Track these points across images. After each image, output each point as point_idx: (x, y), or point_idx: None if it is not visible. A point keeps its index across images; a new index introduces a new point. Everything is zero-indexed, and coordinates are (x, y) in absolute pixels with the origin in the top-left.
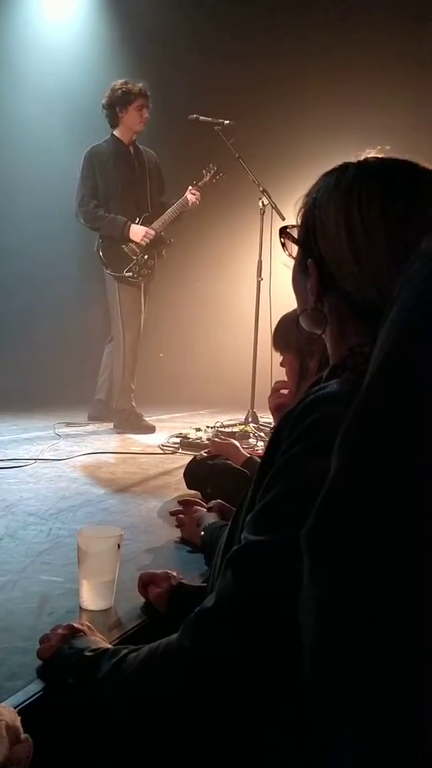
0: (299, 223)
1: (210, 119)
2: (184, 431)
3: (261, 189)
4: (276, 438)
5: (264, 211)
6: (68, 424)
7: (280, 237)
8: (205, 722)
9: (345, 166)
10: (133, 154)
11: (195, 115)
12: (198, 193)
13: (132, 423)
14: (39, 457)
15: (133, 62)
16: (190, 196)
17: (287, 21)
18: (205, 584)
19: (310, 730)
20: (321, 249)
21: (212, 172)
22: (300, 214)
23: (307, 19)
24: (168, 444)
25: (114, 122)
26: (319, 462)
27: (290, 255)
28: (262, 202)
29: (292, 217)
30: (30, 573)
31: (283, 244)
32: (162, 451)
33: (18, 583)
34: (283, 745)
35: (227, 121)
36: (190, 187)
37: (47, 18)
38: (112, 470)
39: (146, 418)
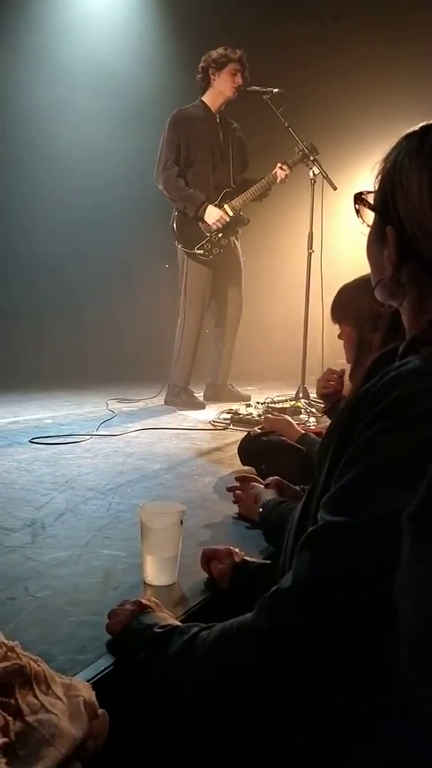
0: (376, 188)
1: (259, 88)
2: (234, 407)
3: (312, 158)
4: (352, 415)
5: (315, 181)
6: (120, 401)
7: (355, 203)
8: (275, 703)
9: (427, 127)
10: (219, 123)
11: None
12: (288, 171)
13: (183, 399)
14: (94, 433)
15: (173, 35)
16: (280, 172)
17: None
18: (267, 561)
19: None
20: (401, 214)
21: (297, 156)
22: (377, 178)
23: None
24: (219, 420)
25: (205, 86)
26: (404, 439)
27: (365, 223)
28: (313, 171)
29: (343, 187)
30: (92, 547)
31: (358, 211)
32: (213, 427)
33: (82, 558)
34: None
35: (276, 90)
36: (279, 164)
37: None
38: (165, 446)
39: (196, 395)
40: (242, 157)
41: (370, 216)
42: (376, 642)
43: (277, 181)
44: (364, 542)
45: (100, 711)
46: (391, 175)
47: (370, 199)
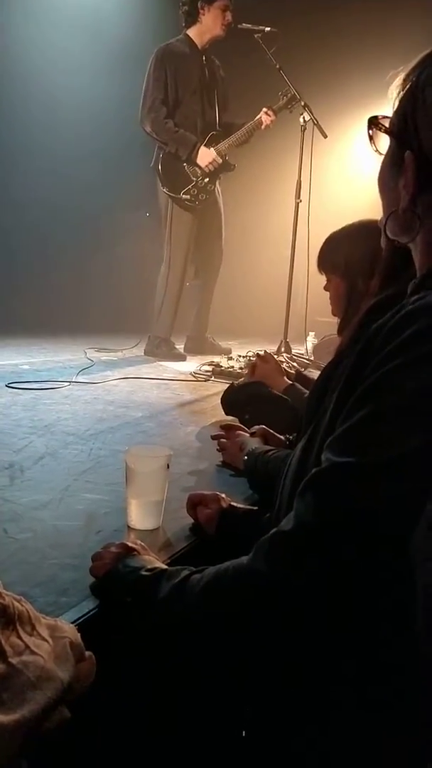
0: (394, 111)
1: (250, 26)
2: (216, 360)
3: (303, 104)
4: (362, 354)
5: (305, 128)
6: (99, 350)
7: (369, 128)
8: (270, 647)
9: None
10: (205, 61)
11: (235, 23)
12: (274, 117)
13: (163, 350)
14: (73, 380)
15: None
16: (265, 117)
17: None
18: (253, 507)
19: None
20: (422, 139)
21: (288, 96)
22: (396, 99)
23: None
24: (200, 372)
25: (191, 20)
26: (422, 376)
27: (378, 151)
28: (303, 117)
29: (333, 134)
30: (74, 491)
31: (371, 137)
32: (194, 379)
33: (63, 501)
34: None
35: (268, 28)
36: (264, 109)
37: None
38: (146, 395)
39: (179, 347)
40: (225, 98)
41: (384, 143)
42: (379, 586)
43: (262, 127)
44: (374, 484)
45: (87, 653)
46: (413, 93)
47: (387, 123)
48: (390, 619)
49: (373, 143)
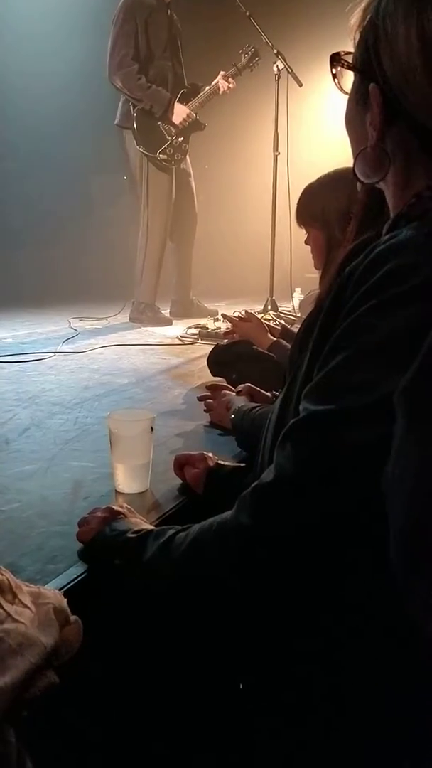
0: (355, 45)
1: None
2: (202, 322)
3: (275, 52)
4: (335, 299)
5: (279, 77)
6: (83, 319)
7: (332, 66)
8: (258, 602)
9: None
10: (169, 15)
11: None
12: (232, 81)
13: (148, 316)
14: (58, 350)
15: None
16: (222, 83)
17: None
18: (241, 464)
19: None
20: (386, 69)
21: (250, 54)
22: (357, 32)
23: None
24: (187, 335)
25: None
26: (396, 317)
27: (342, 89)
28: (277, 66)
29: (309, 83)
30: (60, 460)
31: (334, 75)
32: (181, 343)
33: (49, 470)
34: (336, 630)
35: None
36: (222, 73)
37: None
38: (132, 361)
39: (164, 311)
40: (185, 53)
41: (349, 80)
42: (363, 534)
43: (220, 92)
44: (353, 430)
45: (73, 618)
46: (373, 24)
47: (349, 59)
48: (371, 574)
49: (338, 81)
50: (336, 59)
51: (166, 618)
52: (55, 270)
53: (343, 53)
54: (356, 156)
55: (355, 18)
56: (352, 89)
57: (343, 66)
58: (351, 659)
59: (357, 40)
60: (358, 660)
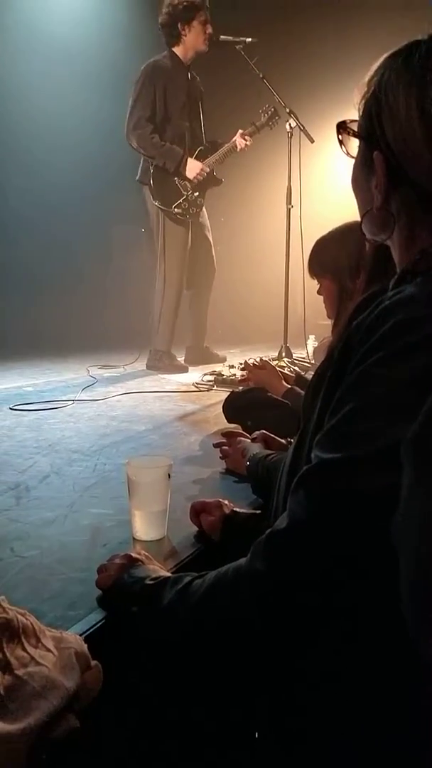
0: (360, 114)
1: (231, 38)
2: (217, 369)
3: (288, 111)
4: (344, 351)
5: (292, 134)
6: (101, 366)
7: (338, 133)
8: (273, 647)
9: (414, 44)
10: (189, 77)
11: (216, 35)
12: (249, 139)
13: (165, 363)
14: (76, 398)
15: None
16: (240, 141)
17: None
18: (256, 511)
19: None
20: (388, 138)
21: (269, 114)
22: (361, 103)
23: None
24: (202, 382)
25: (173, 41)
26: (402, 368)
27: (349, 154)
28: (290, 124)
29: (320, 139)
30: (79, 507)
31: (341, 141)
32: (197, 389)
33: (69, 517)
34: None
35: (249, 39)
36: (240, 131)
37: None
38: (149, 408)
39: (179, 358)
40: (207, 113)
41: (354, 145)
42: (375, 580)
43: (237, 149)
44: (363, 478)
45: (93, 662)
46: (376, 96)
47: (355, 127)
48: (385, 613)
49: (344, 147)
50: (342, 127)
51: (182, 664)
52: (75, 318)
53: (348, 121)
54: (363, 216)
55: (359, 90)
56: (358, 154)
57: (348, 134)
58: (357, 690)
59: (362, 110)
60: (364, 691)
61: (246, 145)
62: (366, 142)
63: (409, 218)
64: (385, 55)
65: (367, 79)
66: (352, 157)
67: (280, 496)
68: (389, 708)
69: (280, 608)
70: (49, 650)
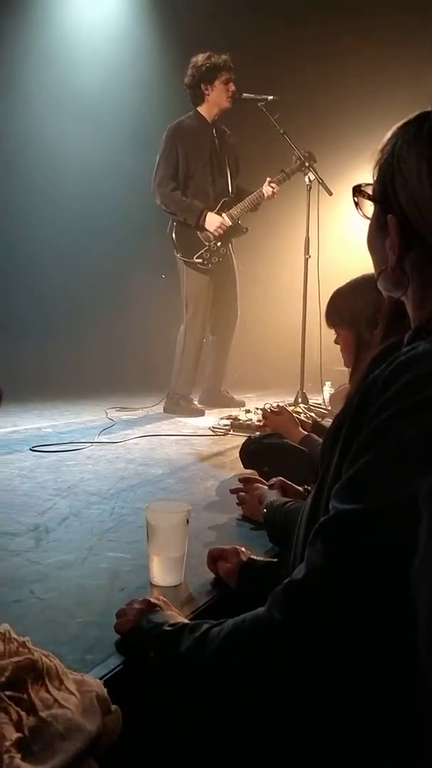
0: (375, 179)
1: (253, 95)
2: (234, 413)
3: (307, 165)
4: (361, 403)
5: (310, 187)
6: (120, 409)
7: (354, 196)
8: (290, 694)
9: (424, 115)
10: (215, 133)
11: (238, 93)
12: (276, 187)
13: (182, 407)
14: (95, 440)
15: (167, 48)
16: (267, 188)
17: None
18: (275, 560)
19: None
20: (402, 203)
21: (295, 165)
22: (375, 169)
23: None
24: (219, 426)
25: (198, 100)
26: (416, 423)
27: (364, 216)
28: (309, 178)
29: (338, 192)
30: (97, 550)
31: (357, 204)
32: (213, 433)
33: (87, 560)
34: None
35: (271, 97)
36: (268, 179)
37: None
38: (166, 451)
39: (196, 402)
40: (236, 164)
41: (369, 208)
42: (392, 631)
43: (265, 197)
44: (379, 529)
45: (113, 707)
46: (389, 163)
47: (369, 190)
48: (399, 667)
49: (360, 209)
50: (357, 191)
51: (199, 711)
52: (94, 360)
53: (363, 185)
54: (378, 274)
55: (373, 157)
56: (373, 216)
57: (363, 197)
58: (372, 744)
59: (376, 176)
60: (379, 746)
61: (274, 192)
62: (380, 206)
63: (422, 277)
64: (397, 125)
65: (380, 147)
66: (367, 218)
67: (299, 545)
68: (404, 761)
69: (297, 659)
70: (72, 693)
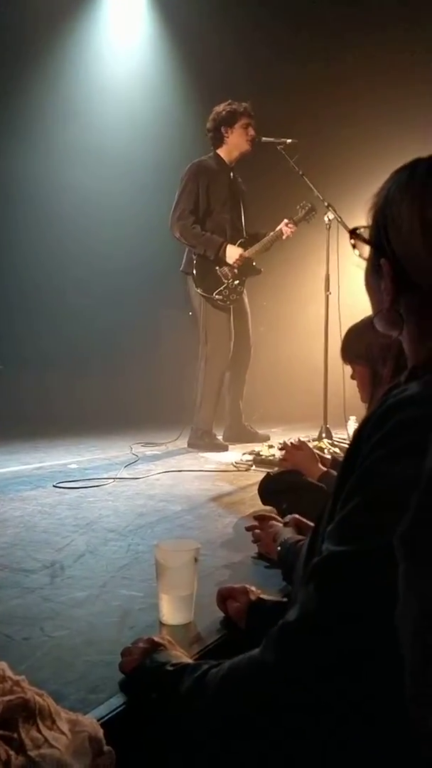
0: (370, 223)
1: (273, 139)
2: (257, 449)
3: (326, 204)
4: (356, 444)
5: (330, 226)
6: (144, 444)
7: (351, 239)
8: (286, 736)
9: (416, 162)
10: (232, 176)
11: (258, 137)
12: (294, 227)
13: (205, 442)
14: (117, 476)
15: (192, 88)
16: (285, 229)
17: (346, 41)
18: (285, 599)
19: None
20: (394, 247)
21: (306, 209)
22: (370, 213)
23: (367, 37)
24: (241, 462)
25: (218, 143)
26: (400, 467)
27: (362, 257)
28: (328, 217)
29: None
30: (111, 588)
31: (354, 246)
32: (236, 469)
33: (99, 598)
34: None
35: (290, 140)
36: (285, 220)
37: (105, 51)
38: (186, 488)
39: (219, 437)
40: (249, 209)
41: (366, 249)
42: (384, 672)
43: (283, 237)
44: (368, 571)
45: (106, 748)
46: (383, 209)
47: (365, 234)
48: (396, 708)
49: (357, 251)
50: (354, 234)
51: (198, 751)
52: (122, 397)
53: (360, 228)
54: (375, 315)
55: (369, 202)
56: (369, 258)
57: (359, 240)
58: None
59: (371, 221)
60: None
61: (291, 232)
62: (375, 249)
63: (417, 319)
64: (394, 171)
65: (376, 191)
66: (365, 259)
67: (298, 585)
68: None
69: (290, 701)
70: (63, 733)
